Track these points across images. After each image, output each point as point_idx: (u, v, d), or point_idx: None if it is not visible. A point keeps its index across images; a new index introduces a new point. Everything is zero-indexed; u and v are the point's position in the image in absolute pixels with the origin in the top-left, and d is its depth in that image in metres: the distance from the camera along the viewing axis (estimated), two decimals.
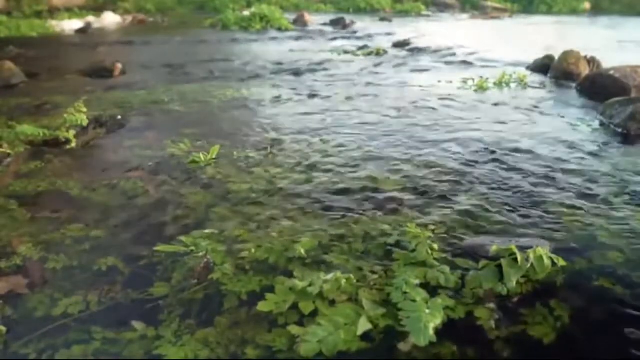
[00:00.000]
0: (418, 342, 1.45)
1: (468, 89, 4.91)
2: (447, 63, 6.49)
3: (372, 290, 1.69)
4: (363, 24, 11.55)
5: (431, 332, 1.48)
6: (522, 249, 1.78)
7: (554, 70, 5.46)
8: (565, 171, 2.76)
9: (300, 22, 11.59)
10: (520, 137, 3.36)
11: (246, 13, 11.67)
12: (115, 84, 5.38)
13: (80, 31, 10.57)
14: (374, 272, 1.80)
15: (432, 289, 1.69)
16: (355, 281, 1.72)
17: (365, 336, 1.49)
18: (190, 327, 1.56)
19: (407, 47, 7.87)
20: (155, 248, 1.96)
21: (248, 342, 1.50)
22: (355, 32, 10.24)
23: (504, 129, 3.57)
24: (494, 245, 1.85)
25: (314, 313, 1.58)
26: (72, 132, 3.34)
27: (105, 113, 3.95)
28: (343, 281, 1.68)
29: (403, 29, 10.49)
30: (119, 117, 3.91)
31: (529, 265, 1.73)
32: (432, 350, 1.45)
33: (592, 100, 4.36)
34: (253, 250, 1.94)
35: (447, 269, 1.79)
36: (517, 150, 3.11)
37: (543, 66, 5.72)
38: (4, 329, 1.55)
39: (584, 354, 1.48)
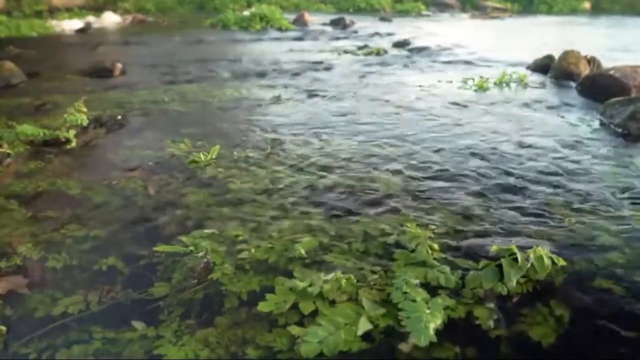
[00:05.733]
0: (418, 342, 1.45)
1: (468, 89, 4.91)
2: (447, 63, 6.49)
3: (372, 290, 1.69)
4: (363, 24, 11.54)
5: (431, 332, 1.48)
6: (522, 249, 1.79)
7: (554, 70, 5.45)
8: (565, 171, 2.77)
9: (300, 22, 11.58)
10: (520, 137, 3.37)
11: (246, 13, 11.68)
12: (115, 83, 5.38)
13: (80, 31, 10.57)
14: (374, 272, 1.80)
15: (432, 289, 1.70)
16: (355, 281, 1.72)
17: (366, 336, 1.49)
18: (191, 327, 1.56)
19: (407, 47, 7.87)
20: (155, 248, 1.96)
21: (248, 342, 1.49)
22: (355, 32, 10.25)
23: (504, 129, 3.58)
24: (494, 245, 1.85)
25: (314, 313, 1.58)
26: (72, 132, 3.33)
27: (105, 113, 3.95)
28: (343, 281, 1.68)
29: (403, 29, 10.49)
30: (119, 117, 3.91)
31: (529, 265, 1.73)
32: (432, 350, 1.45)
33: (592, 100, 4.36)
34: (253, 250, 1.94)
35: (447, 269, 1.79)
36: (517, 150, 3.11)
37: (543, 66, 5.72)
38: (4, 328, 1.55)
39: (584, 354, 1.48)
